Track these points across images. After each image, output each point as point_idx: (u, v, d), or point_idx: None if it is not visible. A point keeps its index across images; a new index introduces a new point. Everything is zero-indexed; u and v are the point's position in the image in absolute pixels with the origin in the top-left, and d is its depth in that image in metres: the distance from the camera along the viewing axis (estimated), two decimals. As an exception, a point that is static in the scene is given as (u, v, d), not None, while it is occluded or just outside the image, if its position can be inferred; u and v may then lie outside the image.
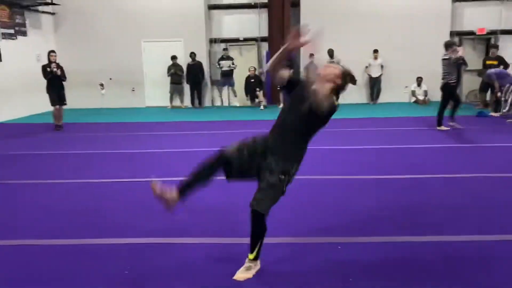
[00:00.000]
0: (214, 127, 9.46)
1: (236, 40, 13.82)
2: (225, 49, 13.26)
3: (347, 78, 2.85)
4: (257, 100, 12.94)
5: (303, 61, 12.90)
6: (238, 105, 13.02)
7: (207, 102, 13.85)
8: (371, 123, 9.58)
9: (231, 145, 2.86)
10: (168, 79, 13.22)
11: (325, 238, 3.42)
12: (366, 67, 12.82)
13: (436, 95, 13.06)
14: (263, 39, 13.71)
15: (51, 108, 9.60)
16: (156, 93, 13.73)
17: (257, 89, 12.75)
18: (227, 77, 13.06)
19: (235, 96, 13.18)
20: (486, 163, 5.83)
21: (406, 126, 8.99)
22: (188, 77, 13.23)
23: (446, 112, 8.56)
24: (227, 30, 13.82)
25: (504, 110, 10.01)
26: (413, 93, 13.18)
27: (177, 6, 13.12)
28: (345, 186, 4.86)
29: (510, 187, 4.74)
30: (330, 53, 12.61)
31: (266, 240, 2.84)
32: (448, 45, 8.42)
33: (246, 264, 2.85)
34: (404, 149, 6.81)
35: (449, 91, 8.34)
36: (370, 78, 12.98)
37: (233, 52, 13.86)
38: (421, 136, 7.91)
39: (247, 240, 2.84)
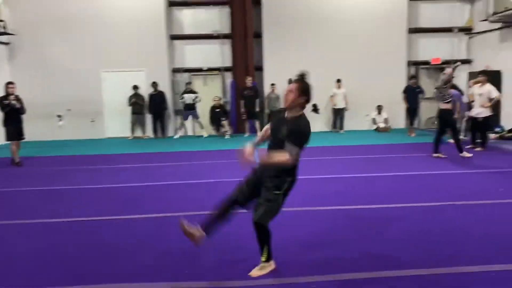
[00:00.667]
0: (178, 158, 9.22)
1: (199, 70, 13.77)
2: (188, 83, 13.09)
3: (306, 91, 3.28)
4: (222, 130, 12.83)
5: (266, 90, 13.02)
6: (205, 135, 12.81)
7: (170, 132, 13.60)
8: (337, 151, 9.62)
9: (234, 190, 3.37)
10: (129, 109, 12.92)
11: (299, 278, 3.25)
12: (331, 96, 13.01)
13: (397, 123, 13.49)
14: (227, 69, 13.74)
15: (5, 142, 9.07)
16: (116, 124, 13.35)
17: (223, 118, 12.66)
18: (190, 110, 12.85)
19: (202, 128, 12.97)
20: (449, 190, 5.90)
21: (375, 154, 9.06)
22: (150, 107, 12.99)
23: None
24: (191, 60, 13.77)
25: (462, 136, 10.34)
26: (374, 121, 13.47)
27: (139, 36, 12.99)
28: (320, 218, 4.74)
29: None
30: (291, 82, 12.79)
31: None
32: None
33: (260, 265, 3.28)
34: (373, 177, 6.82)
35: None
36: (334, 109, 13.14)
37: (197, 81, 13.79)
38: (388, 162, 7.99)
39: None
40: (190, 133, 13.60)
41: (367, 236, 4.10)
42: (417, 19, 13.85)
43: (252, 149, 3.25)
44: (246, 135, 12.57)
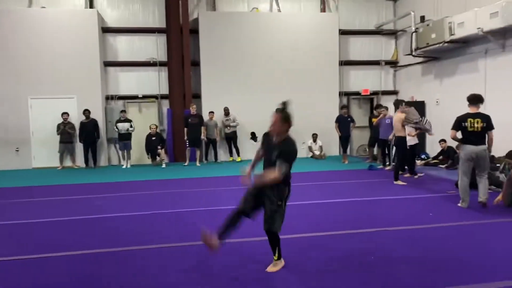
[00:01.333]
0: (110, 189, 8.77)
1: (135, 97, 13.43)
2: (122, 111, 12.67)
3: (288, 119, 4.15)
4: (158, 158, 12.48)
5: (204, 118, 12.91)
6: (129, 166, 12.37)
7: (102, 161, 12.99)
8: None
9: (240, 202, 3.95)
10: (58, 137, 12.20)
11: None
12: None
13: (331, 150, 13.92)
14: (163, 97, 13.52)
15: None
16: (44, 153, 12.54)
17: (159, 146, 12.33)
18: (124, 140, 12.39)
19: (129, 159, 12.54)
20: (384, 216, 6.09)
21: (313, 181, 9.20)
22: (81, 135, 12.36)
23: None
24: (126, 87, 13.40)
25: (392, 164, 10.87)
26: (310, 149, 13.81)
27: (71, 61, 12.45)
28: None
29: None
30: (226, 111, 12.88)
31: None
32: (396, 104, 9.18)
33: (273, 262, 3.98)
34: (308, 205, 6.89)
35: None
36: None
37: (132, 108, 13.41)
38: (326, 188, 8.14)
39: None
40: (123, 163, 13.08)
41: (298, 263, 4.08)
42: (348, 52, 14.59)
43: (249, 171, 4.09)
44: (186, 163, 12.29)
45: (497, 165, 9.14)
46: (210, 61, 13.20)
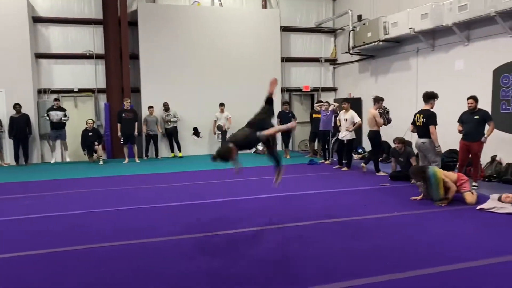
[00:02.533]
0: (43, 188, 8.31)
1: (70, 91, 12.81)
2: (56, 99, 12.04)
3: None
4: (95, 155, 11.99)
5: (144, 113, 12.57)
6: (68, 160, 11.81)
7: (35, 159, 12.28)
8: (221, 174, 9.64)
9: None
10: (-15, 133, 11.39)
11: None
12: (215, 120, 13.05)
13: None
14: (101, 90, 13.00)
15: None
16: (-32, 150, 11.64)
17: (96, 143, 11.83)
18: (58, 129, 11.81)
19: (66, 150, 11.98)
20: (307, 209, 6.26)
21: (255, 176, 9.25)
22: (11, 131, 11.61)
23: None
24: (60, 80, 12.74)
25: (331, 157, 11.20)
26: (253, 144, 13.86)
27: (-3, 52, 11.64)
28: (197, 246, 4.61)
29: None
30: (166, 106, 12.64)
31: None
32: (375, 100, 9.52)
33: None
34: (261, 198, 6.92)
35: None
36: (221, 131, 13.16)
37: (67, 103, 12.78)
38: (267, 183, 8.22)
39: None
40: (58, 159, 12.45)
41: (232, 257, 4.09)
42: (289, 49, 14.81)
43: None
44: (126, 161, 11.90)
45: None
46: (149, 54, 12.86)
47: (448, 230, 5.01)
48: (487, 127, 7.41)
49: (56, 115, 11.70)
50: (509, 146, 8.42)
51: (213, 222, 5.51)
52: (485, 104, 8.62)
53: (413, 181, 7.50)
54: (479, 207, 5.93)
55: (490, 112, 8.68)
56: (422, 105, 10.92)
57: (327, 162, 11.19)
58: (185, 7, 13.40)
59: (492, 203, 5.95)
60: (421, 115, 7.07)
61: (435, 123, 7.22)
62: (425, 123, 6.95)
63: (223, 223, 5.44)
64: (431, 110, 7.29)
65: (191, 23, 13.22)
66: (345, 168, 10.04)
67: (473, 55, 9.32)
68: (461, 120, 7.59)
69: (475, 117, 7.36)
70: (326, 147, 11.53)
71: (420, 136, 7.18)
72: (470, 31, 9.35)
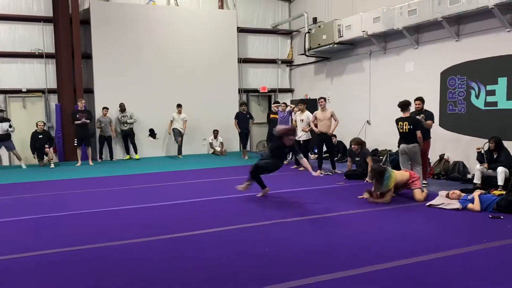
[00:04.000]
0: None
1: (18, 91, 12.22)
2: (1, 110, 11.37)
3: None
4: (46, 158, 11.49)
5: (97, 114, 12.22)
6: (24, 167, 11.21)
7: (-21, 163, 11.63)
8: (178, 175, 9.51)
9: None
10: None
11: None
12: (171, 121, 12.85)
13: (231, 146, 14.08)
14: (51, 91, 12.50)
15: None
16: None
17: (46, 145, 11.33)
18: (3, 141, 11.02)
19: (20, 159, 11.35)
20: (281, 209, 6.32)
21: (214, 177, 9.19)
22: (-50, 135, 10.89)
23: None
24: (6, 80, 12.11)
25: (288, 158, 11.32)
26: (211, 145, 13.82)
27: None
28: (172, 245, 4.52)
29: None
30: (122, 107, 12.33)
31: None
32: None
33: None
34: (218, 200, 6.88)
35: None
36: (176, 131, 12.97)
37: (15, 104, 12.19)
38: (224, 184, 8.20)
39: None
40: (5, 163, 11.85)
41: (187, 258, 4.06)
42: (246, 50, 14.86)
43: None
44: (78, 164, 11.48)
45: (380, 157, 10.02)
46: (103, 53, 12.49)
47: (399, 226, 5.20)
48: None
49: (1, 127, 10.92)
50: (456, 145, 8.86)
51: (164, 224, 5.43)
52: (434, 105, 9.04)
53: (367, 179, 7.74)
54: (428, 203, 6.20)
55: (438, 112, 9.11)
56: (375, 106, 11.29)
57: (285, 162, 11.29)
58: (140, 6, 13.13)
59: (441, 200, 6.23)
60: (406, 122, 7.30)
61: (421, 129, 7.49)
62: (412, 129, 7.24)
63: (174, 226, 5.36)
64: (414, 117, 7.53)
65: (146, 22, 12.97)
66: (302, 168, 10.18)
67: (422, 57, 9.73)
68: None
69: (421, 115, 7.68)
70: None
71: (407, 142, 7.36)
72: (419, 35, 9.75)
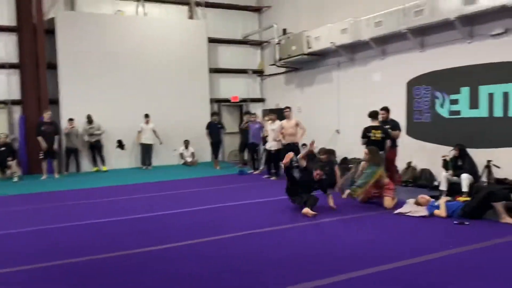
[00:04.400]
0: None
1: (-22, 103, 11.77)
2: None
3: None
4: (9, 171, 11.06)
5: (63, 126, 11.89)
6: None
7: None
8: (146, 188, 9.33)
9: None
10: None
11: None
12: (139, 131, 12.66)
13: (203, 157, 13.96)
14: (15, 102, 12.08)
15: None
16: None
17: (9, 158, 10.92)
18: None
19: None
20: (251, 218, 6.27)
21: (186, 189, 9.06)
22: None
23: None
24: (-34, 91, 11.66)
25: (260, 168, 11.33)
26: (182, 156, 13.66)
27: None
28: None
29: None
30: (89, 118, 12.05)
31: None
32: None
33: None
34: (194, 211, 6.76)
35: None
36: (142, 144, 12.78)
37: (-26, 116, 11.72)
38: (197, 196, 8.09)
39: None
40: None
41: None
42: (217, 60, 14.85)
43: None
44: (44, 177, 11.08)
45: (349, 166, 10.12)
46: (69, 64, 12.19)
47: (368, 234, 5.24)
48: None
49: None
50: (423, 152, 9.06)
51: (134, 238, 5.29)
52: (400, 114, 9.25)
53: (337, 188, 7.81)
54: (396, 211, 6.29)
55: (405, 121, 9.32)
56: (344, 115, 11.45)
57: (257, 172, 11.29)
58: (108, 16, 12.93)
59: (408, 207, 6.33)
60: (380, 131, 7.49)
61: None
62: (384, 138, 7.44)
63: (143, 240, 5.23)
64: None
65: (114, 32, 12.76)
66: (273, 178, 10.19)
67: (388, 68, 9.96)
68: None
69: (387, 126, 7.85)
70: (256, 157, 11.65)
71: (378, 150, 7.52)
72: (386, 46, 9.98)
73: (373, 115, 7.78)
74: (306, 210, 6.15)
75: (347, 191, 7.17)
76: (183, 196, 8.21)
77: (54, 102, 12.29)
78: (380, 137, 7.51)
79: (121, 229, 5.78)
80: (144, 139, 12.68)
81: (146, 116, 12.58)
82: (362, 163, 7.21)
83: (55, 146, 11.32)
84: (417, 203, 6.37)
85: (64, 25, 12.15)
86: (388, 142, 7.54)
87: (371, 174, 6.78)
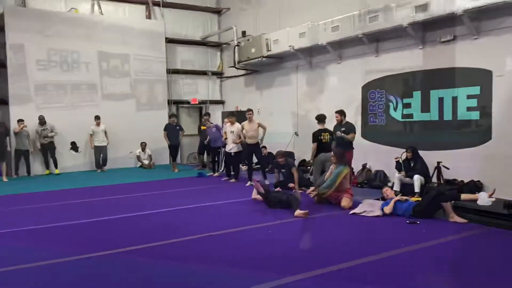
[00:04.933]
0: None
1: None
2: None
3: None
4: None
5: (12, 127, 11.37)
6: None
7: None
8: (103, 191, 9.04)
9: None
10: None
11: None
12: (91, 134, 12.27)
13: (160, 159, 13.72)
14: (-42, 102, 11.42)
15: None
16: None
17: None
18: None
19: None
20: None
21: (140, 192, 8.85)
22: None
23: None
24: None
25: (220, 170, 11.26)
26: (139, 158, 13.36)
27: None
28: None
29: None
30: (42, 119, 11.57)
31: None
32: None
33: None
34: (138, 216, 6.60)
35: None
36: (96, 146, 12.38)
37: None
38: (155, 199, 7.92)
39: None
40: None
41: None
42: (176, 61, 14.65)
43: None
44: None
45: (308, 167, 10.26)
46: (19, 62, 11.64)
47: (324, 234, 5.33)
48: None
49: None
50: (377, 154, 9.32)
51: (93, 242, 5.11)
52: (356, 117, 9.48)
53: (295, 189, 7.86)
54: (352, 211, 6.42)
55: (359, 124, 9.57)
56: (303, 118, 11.61)
57: (216, 174, 11.21)
58: (61, 14, 12.47)
59: (363, 207, 6.48)
60: (327, 133, 8.34)
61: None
62: (331, 139, 8.14)
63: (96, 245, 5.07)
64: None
65: (67, 30, 12.31)
66: (233, 180, 10.15)
67: (345, 72, 10.17)
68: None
69: (342, 129, 8.09)
70: (216, 159, 11.56)
71: (327, 151, 8.12)
72: (342, 50, 10.19)
73: (321, 118, 8.48)
74: (298, 212, 6.22)
75: (314, 192, 7.30)
76: (138, 200, 8.02)
77: (4, 103, 11.71)
78: (328, 139, 8.27)
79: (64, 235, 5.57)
80: (97, 141, 12.31)
81: (97, 118, 12.23)
82: (331, 166, 7.35)
83: (7, 148, 10.79)
84: (384, 196, 6.55)
85: (14, 22, 11.60)
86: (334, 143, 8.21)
87: (337, 174, 6.96)
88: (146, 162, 13.28)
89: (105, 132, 12.37)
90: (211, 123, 11.50)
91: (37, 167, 11.93)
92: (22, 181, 10.70)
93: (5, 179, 10.73)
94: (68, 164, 12.31)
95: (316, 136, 8.35)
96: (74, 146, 12.20)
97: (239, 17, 14.05)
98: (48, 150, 11.82)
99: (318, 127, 8.52)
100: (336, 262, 4.20)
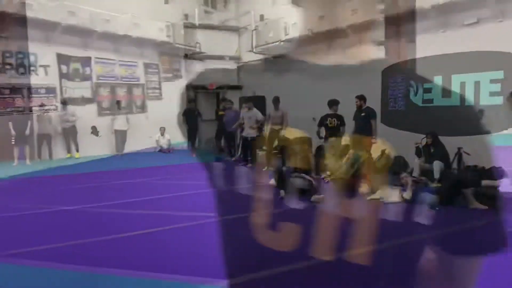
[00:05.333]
0: None
1: None
2: None
3: None
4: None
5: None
6: None
7: None
8: (123, 175, 9.21)
9: None
10: None
11: None
12: (113, 119, 12.47)
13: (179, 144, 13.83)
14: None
15: None
16: None
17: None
18: None
19: None
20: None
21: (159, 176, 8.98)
22: None
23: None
24: None
25: (237, 154, 11.31)
26: (157, 143, 13.51)
27: None
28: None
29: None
30: (64, 102, 11.77)
31: None
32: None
33: None
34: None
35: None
36: (116, 131, 12.57)
37: None
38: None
39: None
40: None
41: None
42: (194, 46, 14.64)
43: None
44: (15, 163, 10.76)
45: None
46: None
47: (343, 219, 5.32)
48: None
49: None
50: (397, 140, 9.20)
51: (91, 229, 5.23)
52: (376, 102, 9.36)
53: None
54: (369, 197, 6.41)
55: (379, 109, 9.44)
56: (321, 103, 11.48)
57: (233, 159, 11.26)
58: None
59: (381, 193, 6.45)
60: (334, 119, 7.78)
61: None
62: (339, 124, 7.75)
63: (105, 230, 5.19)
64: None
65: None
66: (249, 165, 10.19)
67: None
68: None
69: (362, 114, 8.00)
70: (232, 144, 11.60)
71: (335, 136, 7.84)
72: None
73: (329, 103, 8.23)
74: (315, 197, 6.22)
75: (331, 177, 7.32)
76: (160, 183, 8.15)
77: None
78: (336, 124, 8.00)
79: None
80: (118, 125, 12.49)
81: (118, 102, 12.40)
82: (350, 151, 7.34)
83: (27, 132, 11.04)
84: (402, 180, 6.49)
85: None
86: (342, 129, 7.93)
87: (355, 159, 6.88)
88: (165, 146, 13.43)
89: (127, 118, 12.53)
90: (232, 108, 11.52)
91: (59, 151, 12.18)
92: (43, 164, 10.94)
93: (28, 162, 10.99)
94: (89, 148, 12.54)
95: (322, 120, 8.24)
96: (94, 130, 12.40)
97: (257, 1, 13.91)
98: (69, 134, 12.04)
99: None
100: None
